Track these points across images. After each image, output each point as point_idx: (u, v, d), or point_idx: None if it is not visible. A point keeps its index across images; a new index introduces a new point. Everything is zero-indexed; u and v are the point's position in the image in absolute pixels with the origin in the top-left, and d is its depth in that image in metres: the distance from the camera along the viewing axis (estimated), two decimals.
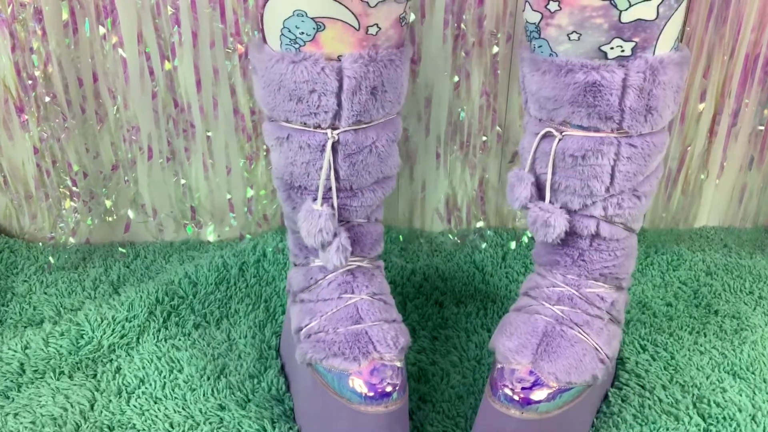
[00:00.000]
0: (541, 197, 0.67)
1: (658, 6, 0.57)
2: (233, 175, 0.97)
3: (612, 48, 0.59)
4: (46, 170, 0.94)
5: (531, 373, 0.63)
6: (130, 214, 0.99)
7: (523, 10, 0.63)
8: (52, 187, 0.95)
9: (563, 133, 0.63)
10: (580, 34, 0.59)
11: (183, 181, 0.97)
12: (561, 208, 0.66)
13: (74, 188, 0.95)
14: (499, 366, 0.64)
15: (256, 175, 0.97)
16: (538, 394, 0.62)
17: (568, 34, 0.60)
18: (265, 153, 0.95)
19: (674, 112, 0.64)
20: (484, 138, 0.96)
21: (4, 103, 0.90)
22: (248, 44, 0.87)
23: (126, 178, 0.96)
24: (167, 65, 0.89)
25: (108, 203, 0.97)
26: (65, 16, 0.85)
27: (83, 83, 0.89)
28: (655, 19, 0.58)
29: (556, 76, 0.61)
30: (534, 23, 0.61)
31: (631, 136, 0.62)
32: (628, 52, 0.59)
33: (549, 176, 0.65)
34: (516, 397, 0.62)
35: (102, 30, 0.86)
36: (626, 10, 0.57)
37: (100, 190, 0.97)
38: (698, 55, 0.93)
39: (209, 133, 0.94)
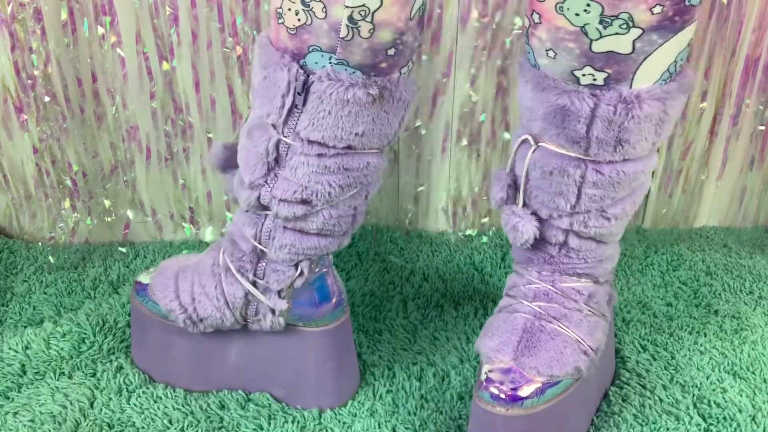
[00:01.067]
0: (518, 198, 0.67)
1: (634, 41, 0.55)
2: None
3: (584, 75, 0.58)
4: (46, 170, 0.94)
5: (513, 369, 0.63)
6: (130, 214, 0.99)
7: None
8: (52, 187, 0.95)
9: (538, 144, 0.62)
10: (556, 53, 0.58)
11: (182, 181, 0.97)
12: (532, 214, 0.66)
13: (74, 188, 0.95)
14: (482, 366, 0.65)
15: None
16: (522, 391, 0.62)
17: (546, 50, 0.58)
18: None
19: (656, 142, 0.62)
20: (491, 136, 0.96)
21: (4, 103, 0.90)
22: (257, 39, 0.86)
23: (125, 179, 0.96)
24: (165, 65, 0.89)
25: (107, 203, 0.97)
26: (64, 16, 0.85)
27: (82, 83, 0.89)
28: (631, 53, 0.56)
29: (534, 88, 0.60)
30: (527, 27, 0.61)
31: (599, 163, 0.61)
32: (600, 82, 0.58)
33: (523, 182, 0.65)
34: (501, 395, 0.62)
35: (101, 30, 0.86)
36: (597, 39, 0.55)
37: (100, 190, 0.97)
38: (699, 54, 0.93)
39: (210, 135, 0.94)
